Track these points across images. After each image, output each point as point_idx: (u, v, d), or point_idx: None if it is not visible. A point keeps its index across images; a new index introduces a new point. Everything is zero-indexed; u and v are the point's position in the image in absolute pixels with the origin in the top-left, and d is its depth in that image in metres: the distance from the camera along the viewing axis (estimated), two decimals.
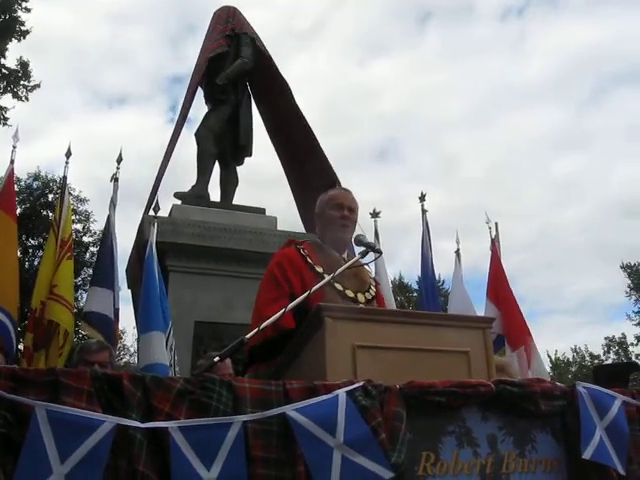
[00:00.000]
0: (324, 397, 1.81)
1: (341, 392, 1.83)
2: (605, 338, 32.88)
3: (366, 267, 3.09)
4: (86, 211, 20.66)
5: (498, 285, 6.59)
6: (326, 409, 1.79)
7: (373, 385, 1.91)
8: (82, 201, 20.80)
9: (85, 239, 20.31)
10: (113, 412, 1.65)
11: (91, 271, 18.16)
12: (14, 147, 5.64)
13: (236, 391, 1.76)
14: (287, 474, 1.71)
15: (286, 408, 1.76)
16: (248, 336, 2.31)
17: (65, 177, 6.00)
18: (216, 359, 2.24)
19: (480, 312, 6.50)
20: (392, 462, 1.77)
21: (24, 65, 17.58)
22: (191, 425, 1.67)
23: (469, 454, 2.03)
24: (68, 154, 5.98)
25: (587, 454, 2.08)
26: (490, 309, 6.49)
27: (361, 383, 1.89)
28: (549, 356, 33.97)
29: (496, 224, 7.15)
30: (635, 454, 2.20)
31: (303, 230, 6.75)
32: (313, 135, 7.24)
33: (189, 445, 1.64)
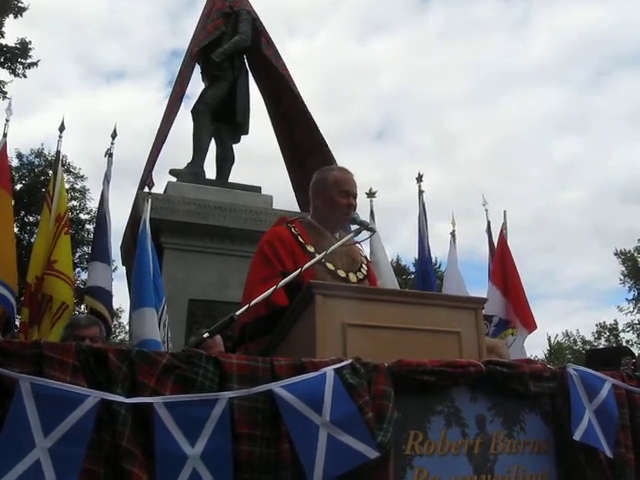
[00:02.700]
0: (311, 374, 1.80)
1: (329, 370, 1.82)
2: (596, 325, 33.00)
3: (358, 245, 3.04)
4: (83, 188, 20.62)
5: (506, 272, 6.63)
6: (313, 387, 1.78)
7: (361, 363, 1.90)
8: (80, 178, 20.76)
9: (82, 216, 20.29)
10: (98, 386, 1.64)
11: (87, 249, 18.20)
12: (7, 120, 5.61)
13: (222, 367, 1.74)
14: (272, 451, 1.70)
15: (272, 385, 1.74)
16: (238, 313, 2.30)
17: (59, 151, 6.00)
18: (205, 335, 2.23)
19: (478, 294, 6.53)
20: (378, 442, 1.76)
21: (24, 44, 17.51)
22: (176, 401, 1.66)
23: (457, 434, 2.03)
24: (62, 128, 5.93)
25: (577, 435, 2.08)
26: (493, 292, 6.54)
27: (349, 361, 1.88)
28: (549, 339, 34.17)
29: (504, 212, 7.14)
30: (623, 437, 2.20)
31: (299, 209, 6.73)
32: (309, 114, 7.19)
33: (174, 421, 1.63)
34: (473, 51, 64.14)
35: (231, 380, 1.73)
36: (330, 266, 2.78)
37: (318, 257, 2.57)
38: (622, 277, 30.09)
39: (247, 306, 2.33)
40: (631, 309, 29.47)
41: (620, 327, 30.77)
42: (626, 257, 30.20)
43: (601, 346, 30.50)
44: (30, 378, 1.56)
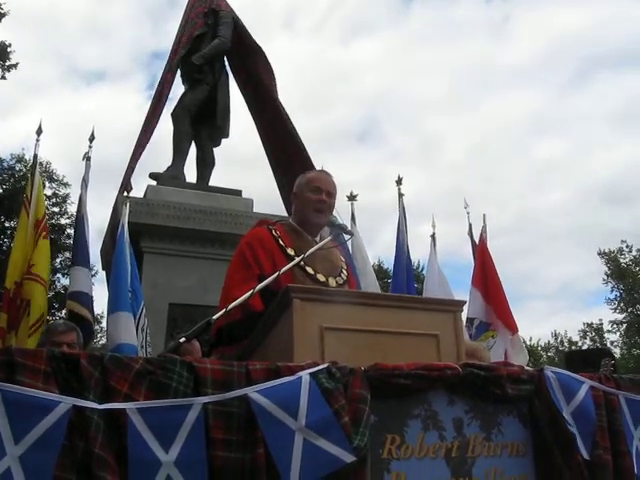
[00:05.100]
0: (287, 379, 1.79)
1: (304, 374, 1.80)
2: (584, 324, 33.07)
3: (338, 250, 3.04)
4: (65, 195, 20.48)
5: (487, 276, 6.69)
6: (288, 391, 1.76)
7: (337, 367, 1.89)
8: (64, 185, 20.63)
9: (62, 221, 20.13)
10: (70, 392, 1.61)
11: (68, 254, 18.01)
12: None
13: (197, 372, 1.72)
14: (248, 456, 1.69)
15: (247, 390, 1.73)
16: (215, 317, 2.28)
17: (36, 155, 5.93)
18: (182, 340, 2.22)
19: (460, 295, 6.58)
20: (354, 446, 1.75)
21: (3, 47, 17.36)
22: (150, 407, 1.63)
23: (435, 437, 2.02)
24: (39, 131, 5.87)
25: None
26: (474, 295, 6.62)
27: (325, 365, 1.87)
28: (524, 342, 34.26)
29: (484, 215, 7.18)
30: (601, 439, 2.20)
31: (280, 212, 6.70)
32: (291, 124, 7.17)
33: (147, 427, 1.61)
34: (454, 53, 64.24)
35: (206, 385, 1.71)
36: (309, 270, 2.76)
37: (296, 260, 2.56)
38: (605, 277, 30.23)
39: (224, 310, 2.31)
40: (614, 308, 29.63)
41: (605, 326, 30.86)
42: (609, 257, 30.35)
43: (585, 346, 30.60)
44: (0, 385, 1.53)
